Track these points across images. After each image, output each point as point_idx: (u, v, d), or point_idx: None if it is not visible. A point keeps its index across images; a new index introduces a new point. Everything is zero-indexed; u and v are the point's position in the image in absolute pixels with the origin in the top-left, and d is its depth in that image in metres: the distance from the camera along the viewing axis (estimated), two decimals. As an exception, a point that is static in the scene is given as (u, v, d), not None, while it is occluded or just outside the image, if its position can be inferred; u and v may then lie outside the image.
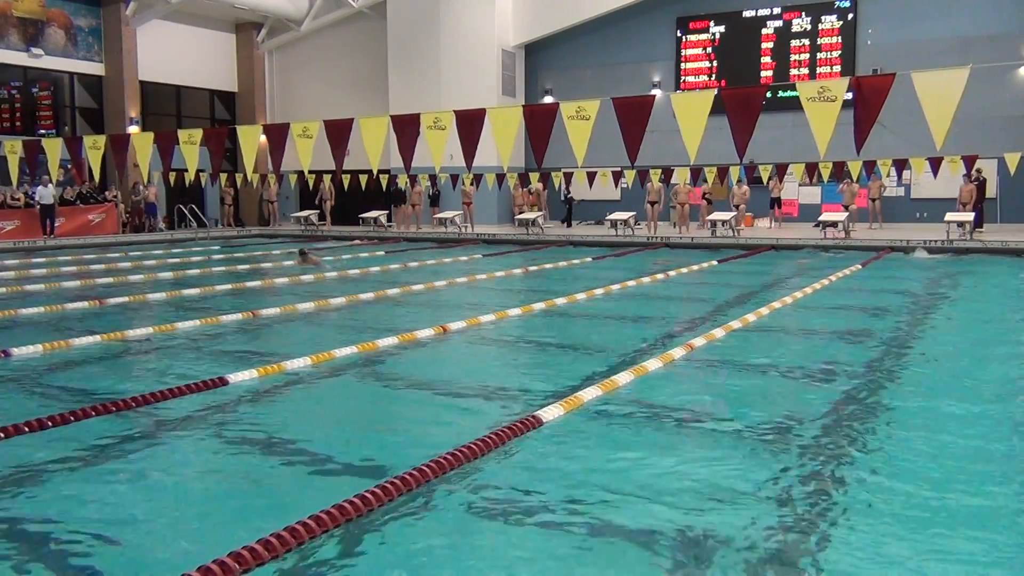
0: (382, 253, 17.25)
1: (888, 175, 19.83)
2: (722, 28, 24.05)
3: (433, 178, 23.83)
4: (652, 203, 21.08)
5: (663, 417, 4.82)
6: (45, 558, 3.08)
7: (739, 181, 21.16)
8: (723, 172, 20.60)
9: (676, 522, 3.28)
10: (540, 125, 9.77)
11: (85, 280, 12.07)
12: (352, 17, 26.81)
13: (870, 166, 18.93)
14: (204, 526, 3.38)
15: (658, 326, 8.24)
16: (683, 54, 24.58)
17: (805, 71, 23.02)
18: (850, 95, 8.20)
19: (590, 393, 5.10)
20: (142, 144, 12.84)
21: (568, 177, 22.14)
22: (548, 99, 25.34)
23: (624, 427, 4.62)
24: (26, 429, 4.43)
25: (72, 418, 4.65)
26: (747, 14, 23.72)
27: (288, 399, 5.41)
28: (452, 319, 8.06)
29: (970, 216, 17.54)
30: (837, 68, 22.60)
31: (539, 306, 9.20)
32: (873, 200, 21.10)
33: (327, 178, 23.63)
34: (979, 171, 19.00)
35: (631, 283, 11.29)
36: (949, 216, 17.52)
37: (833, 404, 5.06)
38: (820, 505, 3.45)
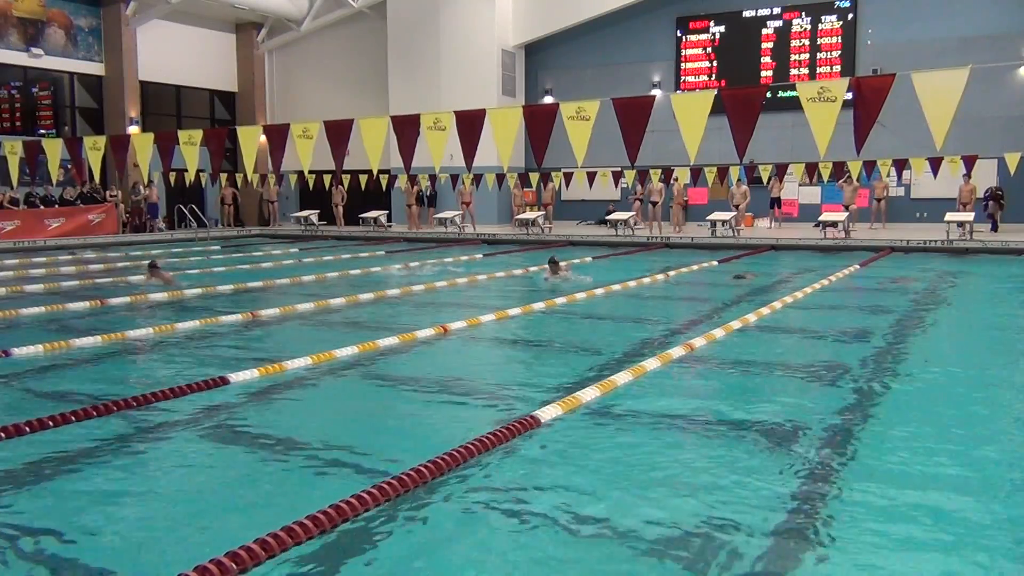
0: (382, 253, 17.26)
1: (888, 175, 19.85)
2: (722, 28, 24.05)
3: (433, 178, 23.84)
4: (653, 203, 21.09)
5: (662, 417, 4.81)
6: (45, 558, 3.08)
7: (739, 181, 21.17)
8: (723, 172, 20.61)
9: (676, 522, 3.28)
10: (540, 125, 9.76)
11: (85, 280, 12.07)
12: (352, 17, 26.82)
13: (870, 166, 18.94)
14: (202, 525, 3.38)
15: (658, 326, 8.24)
16: (683, 54, 24.57)
17: (805, 71, 23.02)
18: (850, 95, 8.20)
19: (589, 393, 5.09)
20: (142, 144, 12.83)
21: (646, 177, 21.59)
22: (548, 99, 25.35)
23: (623, 427, 4.62)
24: (27, 429, 4.43)
25: (73, 418, 4.65)
26: (747, 14, 23.72)
27: (288, 399, 5.41)
28: (452, 319, 8.06)
29: (970, 216, 17.56)
30: (837, 68, 22.60)
31: (539, 306, 9.20)
32: (878, 200, 21.11)
33: (345, 182, 23.52)
34: (997, 187, 19.26)
35: (631, 283, 11.29)
36: (949, 216, 17.52)
37: (833, 403, 5.06)
38: (821, 505, 3.45)
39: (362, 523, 3.25)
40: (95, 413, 4.76)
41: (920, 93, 7.73)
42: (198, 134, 11.94)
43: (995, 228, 19.02)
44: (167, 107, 26.92)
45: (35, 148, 14.05)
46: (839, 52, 22.71)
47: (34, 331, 7.77)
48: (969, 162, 17.95)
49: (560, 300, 9.55)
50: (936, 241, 16.60)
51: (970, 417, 4.82)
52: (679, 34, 24.57)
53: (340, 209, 24.86)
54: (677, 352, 6.43)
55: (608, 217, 21.00)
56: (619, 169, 20.95)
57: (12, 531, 3.29)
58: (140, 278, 11.89)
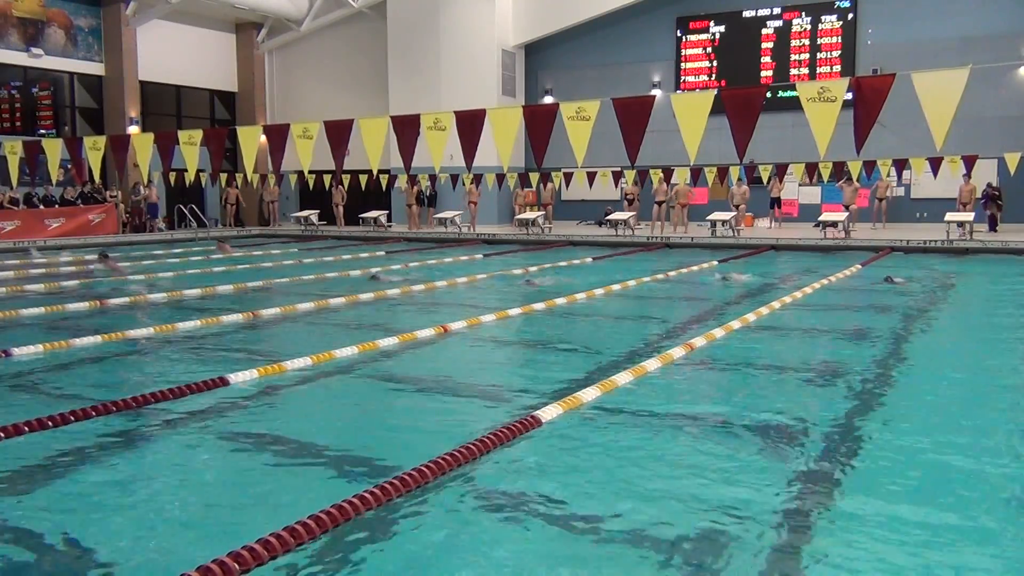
0: (382, 253, 17.26)
1: (888, 175, 19.86)
2: (722, 28, 24.06)
3: (433, 178, 23.83)
4: (660, 203, 21.10)
5: (662, 417, 4.82)
6: (46, 558, 3.08)
7: (739, 181, 21.17)
8: (723, 172, 20.63)
9: (676, 522, 3.28)
10: (540, 125, 9.77)
11: (85, 280, 12.07)
12: (352, 17, 26.82)
13: (870, 166, 18.95)
14: (204, 526, 3.38)
15: (658, 326, 8.24)
16: (683, 54, 24.58)
17: (805, 71, 23.03)
18: (850, 95, 8.20)
19: (589, 393, 5.09)
20: (142, 144, 12.84)
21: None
22: (548, 99, 25.35)
23: (623, 427, 4.62)
24: (26, 429, 4.43)
25: (72, 418, 4.64)
26: (747, 14, 23.73)
27: (288, 399, 5.41)
28: (452, 319, 8.06)
29: (970, 216, 17.57)
30: (837, 68, 22.60)
31: (539, 306, 9.20)
32: (880, 200, 21.12)
33: (345, 182, 23.53)
34: (994, 187, 19.31)
35: (631, 283, 11.30)
36: (949, 216, 17.53)
37: (833, 403, 5.06)
38: (820, 505, 3.45)
39: (364, 523, 3.25)
40: (95, 413, 4.75)
41: (920, 93, 7.74)
42: (198, 134, 11.94)
43: (993, 228, 19.04)
44: (167, 107, 26.92)
45: (35, 148, 14.05)
46: (839, 52, 22.72)
47: (34, 331, 7.77)
48: (969, 162, 17.96)
49: (560, 300, 9.55)
50: (936, 241, 16.61)
51: (971, 417, 4.82)
52: (679, 34, 24.58)
53: (340, 209, 24.87)
54: (677, 352, 6.42)
55: (608, 217, 21.01)
56: (619, 169, 20.95)
57: (13, 532, 3.29)
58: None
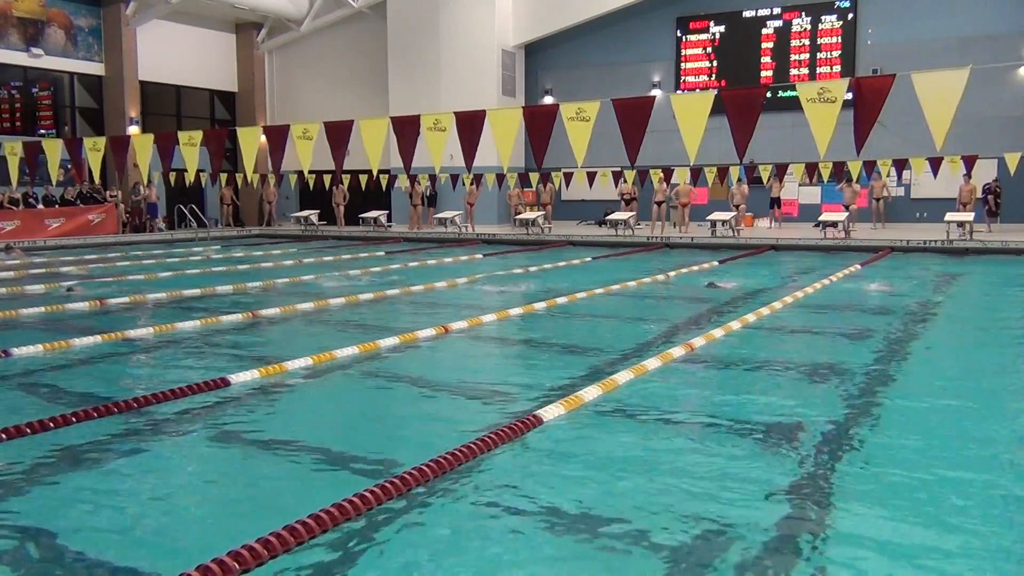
0: (382, 253, 17.26)
1: (888, 175, 19.88)
2: (722, 28, 24.07)
3: (433, 179, 23.85)
4: (659, 203, 21.12)
5: (663, 416, 4.82)
6: (46, 559, 3.09)
7: (739, 181, 21.18)
8: (723, 172, 20.64)
9: (676, 521, 3.28)
10: (540, 126, 9.78)
11: (85, 280, 12.06)
12: (352, 17, 26.83)
13: (870, 166, 18.96)
14: (204, 525, 3.38)
15: (658, 326, 8.24)
16: (683, 54, 24.60)
17: (805, 71, 23.04)
18: (850, 95, 8.21)
19: (590, 392, 5.10)
20: (142, 145, 12.85)
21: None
22: (548, 99, 25.37)
23: (624, 426, 4.63)
24: (28, 431, 4.43)
25: (74, 419, 4.65)
26: (747, 14, 23.74)
27: (289, 399, 5.42)
28: (452, 319, 8.07)
29: (970, 216, 17.58)
30: (837, 68, 22.61)
31: (539, 306, 9.20)
32: (877, 200, 21.12)
33: (345, 182, 23.58)
34: (996, 182, 19.39)
35: (631, 283, 11.30)
36: (949, 216, 17.54)
37: (833, 403, 5.06)
38: (820, 504, 3.45)
39: (364, 522, 3.25)
40: (96, 414, 4.75)
41: (920, 93, 7.75)
42: (198, 134, 11.94)
43: (992, 215, 19.17)
44: (167, 107, 26.93)
45: (35, 148, 14.06)
46: (839, 52, 22.73)
47: (34, 331, 7.77)
48: (969, 162, 17.97)
49: (561, 300, 9.55)
50: (936, 241, 16.61)
51: (970, 417, 4.82)
52: (679, 34, 24.59)
53: (341, 209, 24.88)
54: (677, 352, 6.43)
55: (608, 217, 21.02)
56: (619, 169, 20.97)
57: (13, 532, 3.29)
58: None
